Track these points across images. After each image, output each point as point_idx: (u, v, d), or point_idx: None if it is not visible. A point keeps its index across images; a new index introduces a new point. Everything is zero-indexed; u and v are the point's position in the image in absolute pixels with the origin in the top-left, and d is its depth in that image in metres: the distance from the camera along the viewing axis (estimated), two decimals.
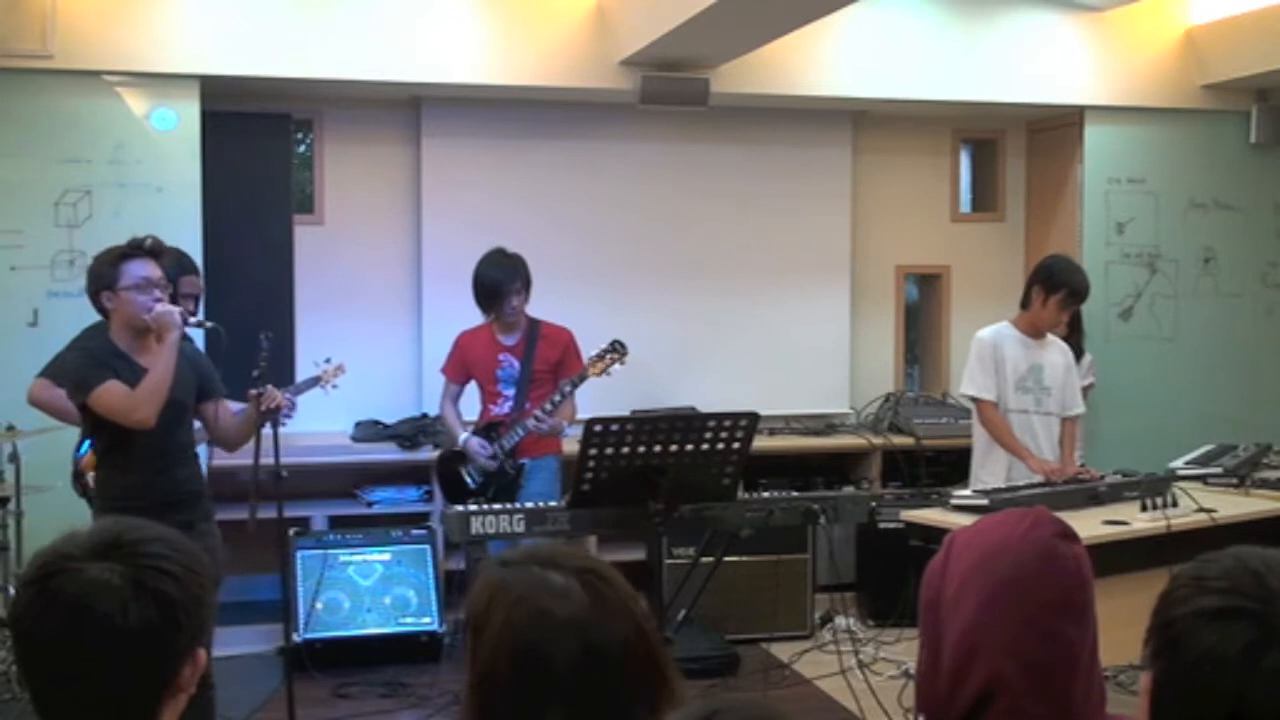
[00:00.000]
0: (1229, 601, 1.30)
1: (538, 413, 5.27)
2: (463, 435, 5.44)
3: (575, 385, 5.30)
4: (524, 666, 1.57)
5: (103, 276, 3.89)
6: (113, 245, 3.96)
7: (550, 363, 5.48)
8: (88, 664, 1.48)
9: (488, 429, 5.45)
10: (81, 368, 3.91)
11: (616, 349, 5.26)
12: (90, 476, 4.73)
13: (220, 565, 4.01)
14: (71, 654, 1.48)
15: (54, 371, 4.76)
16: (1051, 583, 1.72)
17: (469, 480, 5.46)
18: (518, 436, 5.34)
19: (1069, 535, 1.79)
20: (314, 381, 5.24)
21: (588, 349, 5.53)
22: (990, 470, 5.18)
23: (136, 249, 3.90)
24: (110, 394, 3.81)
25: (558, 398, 5.30)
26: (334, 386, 5.23)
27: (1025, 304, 5.21)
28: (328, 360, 5.25)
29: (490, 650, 1.59)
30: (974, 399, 5.22)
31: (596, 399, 5.48)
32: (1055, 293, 5.10)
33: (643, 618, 1.64)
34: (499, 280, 5.40)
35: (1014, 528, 1.77)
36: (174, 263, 4.83)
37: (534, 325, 5.52)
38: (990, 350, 5.16)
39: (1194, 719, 1.30)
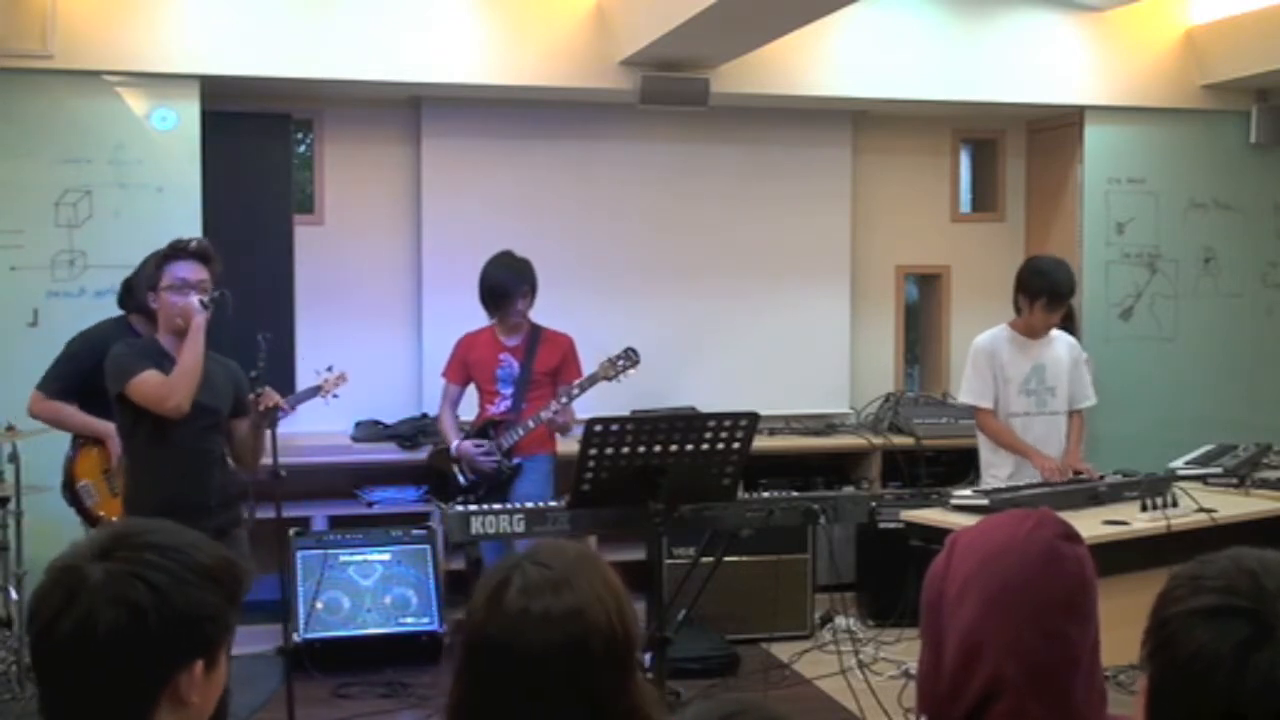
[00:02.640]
0: (1223, 601, 1.30)
1: (554, 404, 5.30)
2: (455, 441, 5.45)
3: (585, 388, 5.33)
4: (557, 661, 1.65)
5: (149, 278, 3.97)
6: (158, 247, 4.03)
7: (550, 366, 5.50)
8: (69, 662, 1.48)
9: (485, 428, 5.46)
10: (124, 358, 3.92)
11: (629, 356, 5.29)
12: (80, 485, 4.75)
13: (250, 574, 3.99)
14: (57, 650, 1.48)
15: (48, 385, 4.79)
16: (1054, 584, 1.72)
17: (460, 477, 5.47)
18: (516, 436, 5.35)
19: (1072, 536, 1.79)
20: (314, 391, 5.24)
21: (588, 348, 5.55)
22: (994, 473, 5.18)
23: (180, 250, 3.94)
24: (146, 382, 3.85)
25: (576, 391, 5.33)
26: (335, 396, 5.23)
27: (1017, 309, 5.22)
28: (329, 369, 5.25)
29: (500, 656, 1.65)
30: (971, 407, 5.23)
31: (597, 399, 5.48)
32: (1036, 299, 5.10)
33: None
34: (506, 283, 5.42)
35: (1016, 528, 1.77)
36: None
37: (536, 329, 5.55)
38: (986, 358, 5.16)
39: (1189, 719, 1.30)
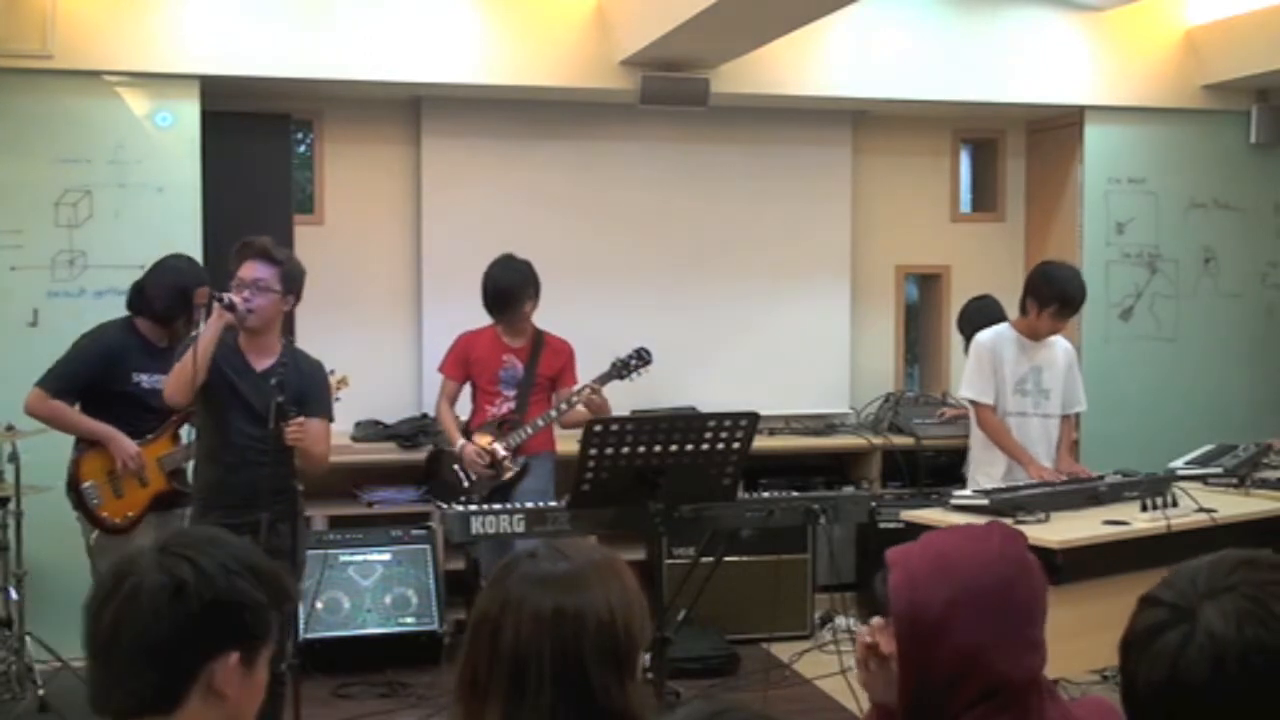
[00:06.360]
0: (1157, 593, 1.35)
1: (585, 387, 5.28)
2: (460, 440, 5.43)
3: (603, 382, 5.31)
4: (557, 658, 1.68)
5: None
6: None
7: (552, 371, 5.51)
8: (115, 633, 1.57)
9: (497, 426, 5.41)
10: (184, 347, 4.20)
11: (641, 355, 5.31)
12: (85, 487, 4.74)
13: (299, 564, 4.16)
14: (107, 622, 1.58)
15: (50, 383, 4.76)
16: (1037, 592, 1.84)
17: (463, 477, 5.45)
18: (524, 435, 5.34)
19: (1022, 539, 1.90)
20: None
21: (587, 347, 5.55)
22: (986, 472, 5.18)
23: (241, 249, 4.19)
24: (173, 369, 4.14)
25: (587, 392, 5.31)
26: (336, 399, 5.22)
27: (1023, 310, 5.22)
28: (331, 371, 5.24)
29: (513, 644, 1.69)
30: (972, 402, 5.23)
31: None
32: (1047, 306, 5.10)
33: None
34: (513, 287, 5.41)
35: (987, 547, 1.83)
36: (192, 272, 4.91)
37: (539, 334, 5.54)
38: (988, 354, 5.17)
39: (1124, 700, 1.36)
